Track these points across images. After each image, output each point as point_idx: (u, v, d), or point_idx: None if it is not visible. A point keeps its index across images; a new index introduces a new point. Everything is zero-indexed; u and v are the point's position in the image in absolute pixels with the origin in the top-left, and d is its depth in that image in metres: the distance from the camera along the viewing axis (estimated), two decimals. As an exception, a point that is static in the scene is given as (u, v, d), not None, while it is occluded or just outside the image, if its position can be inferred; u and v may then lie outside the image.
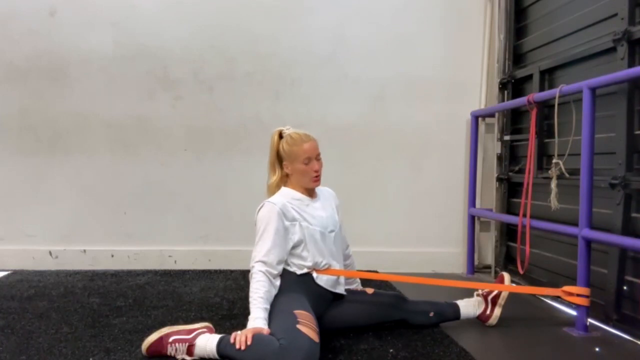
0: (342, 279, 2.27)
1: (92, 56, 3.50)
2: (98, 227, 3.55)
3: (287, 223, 2.09)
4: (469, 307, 2.42)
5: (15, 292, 2.88)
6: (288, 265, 2.13)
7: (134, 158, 3.56)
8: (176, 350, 1.91)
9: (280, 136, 2.20)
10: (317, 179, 2.19)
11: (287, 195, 2.17)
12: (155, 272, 3.43)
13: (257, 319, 1.91)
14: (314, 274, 2.15)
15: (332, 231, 2.24)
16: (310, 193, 2.24)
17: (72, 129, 3.52)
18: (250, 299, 1.97)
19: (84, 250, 3.53)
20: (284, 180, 2.23)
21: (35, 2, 3.46)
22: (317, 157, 2.18)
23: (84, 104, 3.51)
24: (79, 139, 3.52)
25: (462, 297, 2.48)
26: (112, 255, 3.54)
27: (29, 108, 3.49)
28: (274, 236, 2.05)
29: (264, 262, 2.03)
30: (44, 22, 3.48)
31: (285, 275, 2.11)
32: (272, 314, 1.98)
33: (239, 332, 1.87)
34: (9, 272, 3.36)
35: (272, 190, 2.22)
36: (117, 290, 2.95)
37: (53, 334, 2.22)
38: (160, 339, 1.94)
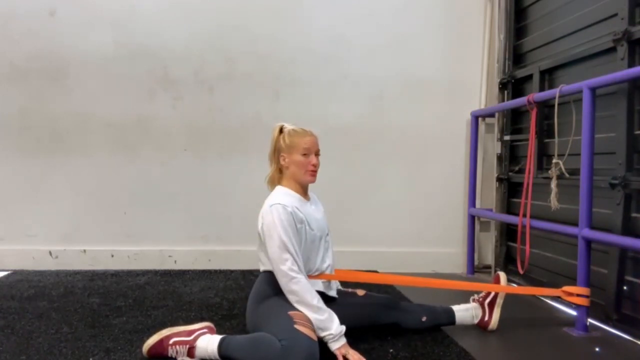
0: (333, 283, 2.25)
1: (92, 56, 3.50)
2: (98, 227, 3.54)
3: (298, 225, 2.04)
4: (466, 315, 2.37)
5: (15, 292, 2.88)
6: None
7: (134, 158, 3.56)
8: (177, 352, 1.91)
9: (281, 131, 2.16)
10: (313, 174, 2.13)
11: (287, 195, 2.11)
12: (155, 272, 3.43)
13: (343, 328, 1.97)
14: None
15: (327, 234, 2.21)
16: (305, 193, 2.19)
17: (72, 129, 3.52)
18: (314, 310, 1.93)
19: (84, 250, 3.53)
20: (279, 177, 2.17)
21: (35, 2, 3.46)
22: (317, 153, 2.14)
23: (84, 104, 3.51)
24: (79, 139, 3.52)
25: (462, 298, 2.48)
26: (112, 255, 3.54)
27: (29, 108, 3.49)
28: (294, 240, 1.99)
29: (299, 269, 1.97)
30: (44, 22, 3.47)
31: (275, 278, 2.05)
32: (266, 316, 1.97)
33: (345, 352, 1.93)
34: (9, 272, 3.36)
35: (273, 183, 2.18)
36: (117, 290, 2.95)
37: (53, 334, 2.22)
38: (161, 341, 1.93)
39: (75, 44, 3.50)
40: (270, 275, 2.08)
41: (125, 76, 3.53)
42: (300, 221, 2.06)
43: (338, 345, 1.94)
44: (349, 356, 1.92)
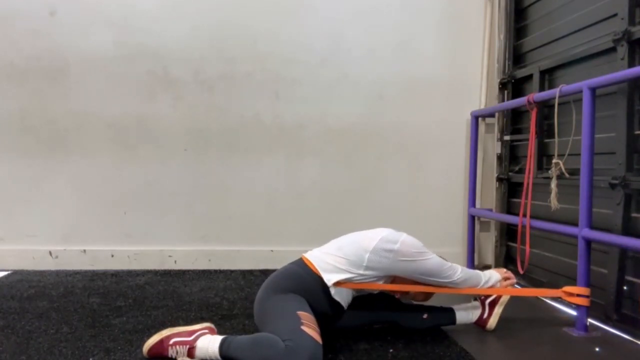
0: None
1: (92, 56, 3.50)
2: (98, 227, 3.54)
3: None
4: (467, 315, 2.38)
5: (15, 292, 2.88)
6: (344, 272, 2.12)
7: (134, 158, 3.56)
8: (177, 352, 1.91)
9: None
10: None
11: None
12: (155, 272, 3.43)
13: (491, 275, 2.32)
14: (332, 290, 2.11)
15: None
16: None
17: (72, 129, 3.52)
18: (475, 279, 2.28)
19: (84, 250, 3.53)
20: None
21: (35, 2, 3.46)
22: None
23: (84, 104, 3.51)
24: (79, 139, 3.52)
25: (463, 297, 2.48)
26: (112, 255, 3.54)
27: (29, 108, 3.49)
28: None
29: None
30: (44, 22, 3.47)
31: (314, 281, 2.09)
32: (274, 314, 1.97)
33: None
34: (9, 272, 3.36)
35: None
36: (117, 290, 2.95)
37: (53, 334, 2.22)
38: (161, 341, 1.93)
39: (75, 44, 3.50)
40: (309, 277, 2.10)
41: (125, 76, 3.53)
42: None
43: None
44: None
